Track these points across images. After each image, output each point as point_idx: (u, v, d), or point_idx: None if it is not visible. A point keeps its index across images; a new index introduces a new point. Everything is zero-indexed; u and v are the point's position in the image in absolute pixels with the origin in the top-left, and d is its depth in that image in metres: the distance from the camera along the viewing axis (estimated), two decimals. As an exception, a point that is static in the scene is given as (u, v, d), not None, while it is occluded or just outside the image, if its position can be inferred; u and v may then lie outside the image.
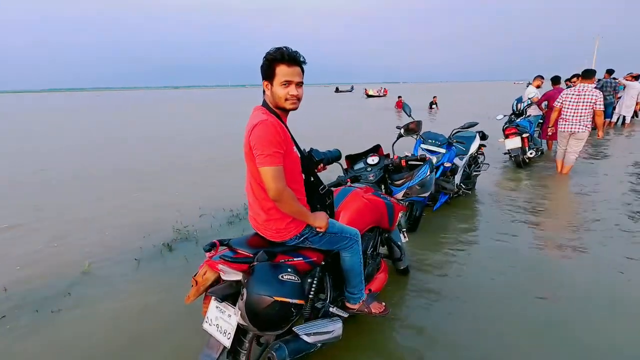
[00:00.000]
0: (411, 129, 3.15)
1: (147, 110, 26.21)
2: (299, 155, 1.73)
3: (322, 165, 2.16)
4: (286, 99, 1.58)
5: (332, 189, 2.06)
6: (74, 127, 15.39)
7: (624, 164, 6.32)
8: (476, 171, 4.91)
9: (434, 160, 3.77)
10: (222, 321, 1.60)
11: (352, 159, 2.73)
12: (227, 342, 1.57)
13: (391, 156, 2.66)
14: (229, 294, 1.61)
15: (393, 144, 3.04)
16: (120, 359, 2.13)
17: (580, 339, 2.17)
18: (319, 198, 1.82)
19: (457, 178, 4.30)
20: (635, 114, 11.30)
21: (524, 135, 6.10)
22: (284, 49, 1.53)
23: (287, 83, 1.56)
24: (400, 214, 2.51)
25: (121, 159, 8.04)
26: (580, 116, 5.26)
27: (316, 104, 26.62)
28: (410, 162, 2.61)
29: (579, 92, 5.24)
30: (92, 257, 3.34)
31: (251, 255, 1.60)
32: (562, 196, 5.02)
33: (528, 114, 6.86)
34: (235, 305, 1.57)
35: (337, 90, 53.02)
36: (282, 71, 1.54)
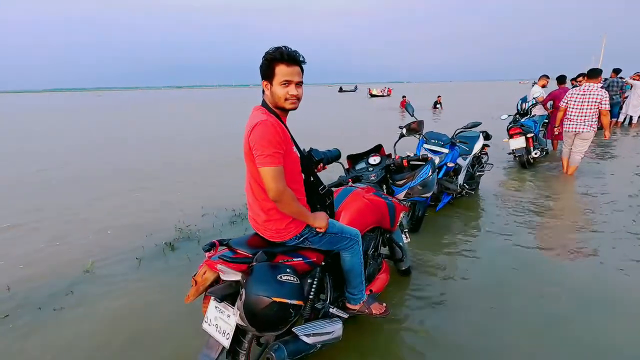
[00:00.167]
0: (413, 128, 3.13)
1: (148, 110, 26.38)
2: (299, 155, 1.72)
3: (322, 165, 2.15)
4: (286, 99, 1.57)
5: (332, 189, 2.05)
6: (74, 127, 15.49)
7: (632, 164, 6.24)
8: (480, 171, 4.87)
9: (437, 160, 3.74)
10: (221, 321, 1.60)
11: (354, 159, 2.71)
12: (226, 343, 1.57)
13: (393, 156, 2.64)
14: (228, 294, 1.61)
15: (395, 144, 3.03)
16: (121, 358, 2.14)
17: (582, 339, 2.15)
18: (319, 198, 1.81)
19: (461, 178, 4.27)
20: (642, 113, 11.17)
21: (529, 135, 6.04)
22: (283, 48, 1.52)
23: (287, 83, 1.55)
24: (402, 214, 2.50)
25: (121, 159, 8.08)
26: (585, 116, 5.20)
27: (319, 104, 26.62)
28: (412, 162, 2.59)
29: (584, 91, 5.19)
30: (94, 257, 3.37)
31: (250, 255, 1.59)
32: (567, 197, 4.96)
33: (533, 113, 6.79)
34: (234, 306, 1.56)
35: (340, 89, 53.03)
36: (282, 71, 1.53)
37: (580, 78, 7.80)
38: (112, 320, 2.48)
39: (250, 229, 1.78)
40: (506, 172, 6.13)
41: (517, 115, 6.57)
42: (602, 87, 5.27)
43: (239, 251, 1.62)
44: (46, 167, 7.41)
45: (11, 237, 3.94)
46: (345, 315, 1.98)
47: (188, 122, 16.54)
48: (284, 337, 1.69)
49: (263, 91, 1.63)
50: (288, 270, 1.54)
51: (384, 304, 2.15)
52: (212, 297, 1.64)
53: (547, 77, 7.61)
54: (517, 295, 2.62)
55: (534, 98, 6.92)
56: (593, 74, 5.23)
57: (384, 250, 2.68)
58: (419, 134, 3.58)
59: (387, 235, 2.58)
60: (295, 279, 1.52)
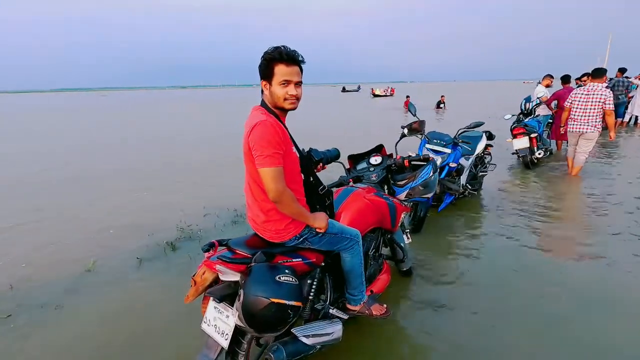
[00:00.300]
0: (414, 128, 3.11)
1: (152, 110, 26.45)
2: (298, 156, 1.72)
3: (321, 164, 2.15)
4: (285, 99, 1.56)
5: (332, 189, 2.04)
6: (76, 128, 15.56)
7: (637, 165, 6.18)
8: (482, 171, 4.84)
9: (439, 160, 3.72)
10: (220, 322, 1.60)
11: (355, 159, 2.70)
12: (225, 343, 1.56)
13: (394, 156, 2.63)
14: (227, 295, 1.60)
15: (396, 144, 3.01)
16: (121, 358, 2.14)
17: (582, 339, 2.13)
18: (319, 198, 1.80)
19: (463, 178, 4.25)
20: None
21: (532, 135, 5.99)
22: (283, 48, 1.51)
23: (286, 82, 1.54)
24: (403, 215, 2.49)
25: (122, 159, 8.10)
26: (589, 116, 5.15)
27: (322, 104, 26.60)
28: (413, 162, 2.58)
29: (588, 91, 5.14)
30: (96, 256, 3.37)
31: (249, 255, 1.58)
32: (571, 198, 4.92)
33: (537, 113, 6.75)
34: (233, 306, 1.56)
35: (343, 89, 53.00)
36: (281, 71, 1.52)
37: (585, 78, 7.74)
38: (112, 319, 2.49)
39: (251, 230, 1.78)
40: (509, 172, 6.09)
41: (521, 115, 6.52)
42: (607, 87, 5.22)
43: (238, 251, 1.61)
44: (48, 167, 7.45)
45: (12, 237, 3.96)
46: (345, 316, 1.97)
47: (190, 122, 16.58)
48: (283, 338, 1.68)
49: (262, 91, 1.63)
50: (287, 271, 1.53)
51: (385, 305, 2.14)
52: (211, 298, 1.63)
53: (551, 76, 7.56)
54: (517, 296, 2.60)
55: (537, 98, 6.88)
56: (597, 73, 5.18)
57: (385, 251, 2.67)
58: (420, 134, 3.56)
59: (388, 236, 2.56)
60: (293, 280, 1.51)
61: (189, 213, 4.40)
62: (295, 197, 1.58)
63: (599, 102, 5.04)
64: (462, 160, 4.22)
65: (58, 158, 8.37)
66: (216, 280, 1.64)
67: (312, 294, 1.81)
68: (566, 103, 5.46)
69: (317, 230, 1.70)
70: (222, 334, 1.57)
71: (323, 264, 1.88)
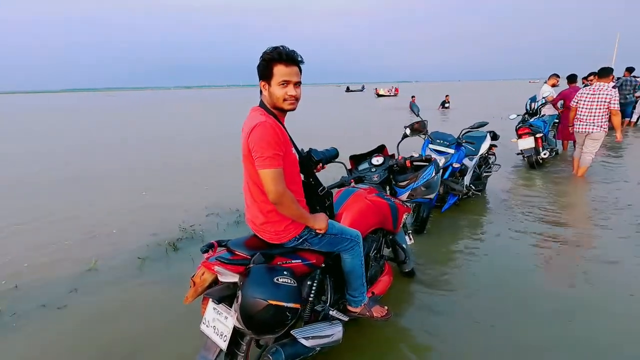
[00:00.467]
0: (416, 128, 3.09)
1: (156, 111, 26.58)
2: (298, 156, 1.70)
3: (321, 164, 2.13)
4: (284, 99, 1.55)
5: (332, 190, 2.03)
6: (78, 128, 15.64)
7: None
8: (487, 172, 4.79)
9: (442, 160, 3.69)
10: (219, 323, 1.59)
11: (357, 159, 2.68)
12: (224, 344, 1.55)
13: (396, 156, 2.61)
14: (226, 296, 1.59)
15: (398, 144, 2.99)
16: (121, 358, 2.14)
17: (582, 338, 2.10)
18: (318, 199, 1.79)
19: (467, 179, 4.21)
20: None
21: (538, 136, 5.93)
22: (282, 48, 1.50)
23: (285, 83, 1.53)
24: (405, 216, 2.47)
25: (123, 159, 8.13)
26: (595, 116, 5.08)
27: (326, 104, 26.58)
28: (415, 163, 2.55)
29: (594, 91, 5.07)
30: (98, 255, 3.38)
31: (248, 257, 1.57)
32: (577, 199, 4.86)
33: (542, 113, 6.68)
34: (231, 307, 1.55)
35: (348, 89, 52.98)
36: (280, 71, 1.51)
37: (591, 77, 7.65)
38: (113, 319, 2.49)
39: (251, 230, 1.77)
40: (514, 173, 6.03)
41: (526, 115, 6.45)
42: (614, 87, 5.15)
43: (237, 252, 1.60)
44: (49, 167, 7.49)
45: (14, 237, 3.98)
46: (346, 318, 1.95)
47: (194, 122, 16.65)
48: (282, 340, 1.66)
49: (260, 92, 1.61)
50: (285, 272, 1.52)
51: (386, 307, 2.12)
52: (210, 299, 1.63)
53: (557, 76, 7.48)
54: (518, 296, 2.58)
55: (543, 97, 6.80)
56: (603, 73, 5.12)
57: (387, 252, 2.65)
58: (423, 134, 3.53)
59: (390, 237, 2.54)
60: (292, 282, 1.50)
61: (192, 213, 4.41)
62: (295, 199, 1.57)
63: (605, 102, 4.97)
64: (466, 161, 4.19)
65: (58, 158, 8.43)
66: (216, 281, 1.63)
67: (312, 295, 1.80)
68: (572, 103, 5.39)
69: (317, 231, 1.69)
70: (221, 335, 1.57)
71: (323, 265, 1.86)
